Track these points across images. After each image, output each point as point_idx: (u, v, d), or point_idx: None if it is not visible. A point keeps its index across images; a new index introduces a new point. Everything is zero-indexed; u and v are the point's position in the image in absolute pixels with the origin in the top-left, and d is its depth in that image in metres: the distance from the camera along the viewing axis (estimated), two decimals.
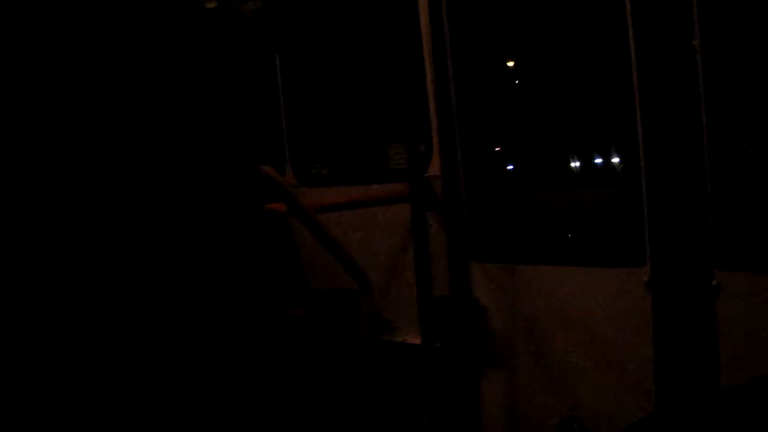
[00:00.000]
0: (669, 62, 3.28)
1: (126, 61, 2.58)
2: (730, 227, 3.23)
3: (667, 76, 3.30)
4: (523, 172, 4.27)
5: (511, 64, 4.09)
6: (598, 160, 3.99)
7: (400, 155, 4.46)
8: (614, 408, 3.60)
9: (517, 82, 4.08)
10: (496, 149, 4.23)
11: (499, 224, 4.07)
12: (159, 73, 2.51)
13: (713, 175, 3.22)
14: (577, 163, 4.06)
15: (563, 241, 3.88)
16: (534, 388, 3.90)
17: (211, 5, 4.98)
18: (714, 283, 3.23)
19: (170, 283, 2.75)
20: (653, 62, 3.33)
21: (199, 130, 2.66)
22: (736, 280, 3.20)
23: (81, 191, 2.46)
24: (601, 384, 3.64)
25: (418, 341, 4.21)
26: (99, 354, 2.54)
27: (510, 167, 4.32)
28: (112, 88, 2.50)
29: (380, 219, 4.48)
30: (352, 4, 4.70)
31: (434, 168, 4.14)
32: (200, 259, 2.82)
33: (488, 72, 4.16)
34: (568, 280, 3.74)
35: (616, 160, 3.87)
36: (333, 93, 5.04)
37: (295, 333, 4.33)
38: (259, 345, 4.12)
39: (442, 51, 4.06)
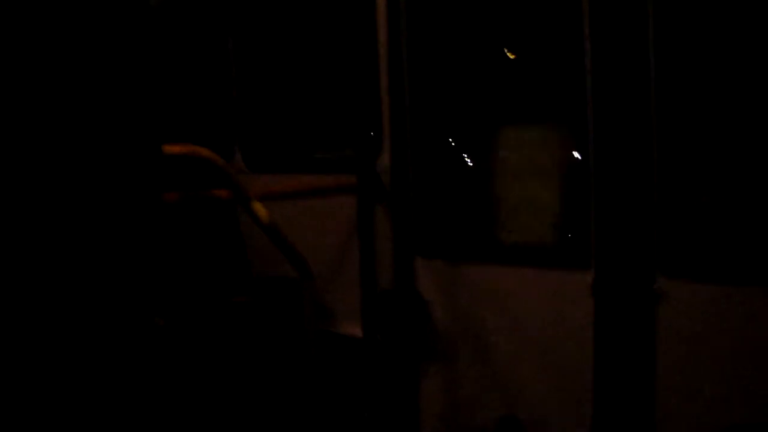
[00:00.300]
0: (621, 67, 3.28)
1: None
2: (675, 234, 3.25)
3: (618, 81, 3.29)
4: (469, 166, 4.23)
5: (465, 56, 4.04)
6: None
7: (352, 145, 4.41)
8: (553, 410, 3.59)
9: (469, 75, 4.04)
10: (448, 144, 4.18)
11: (445, 220, 4.04)
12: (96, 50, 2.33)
13: (660, 181, 3.23)
14: None
15: (508, 241, 3.86)
16: (474, 386, 3.88)
17: None
18: (656, 288, 3.24)
19: (106, 271, 2.59)
20: (606, 66, 3.32)
21: (142, 113, 2.47)
22: (679, 287, 3.22)
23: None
24: (540, 386, 3.63)
25: (360, 334, 4.18)
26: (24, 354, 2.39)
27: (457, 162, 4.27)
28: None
29: (328, 209, 4.42)
30: None
31: (384, 160, 4.09)
32: (137, 245, 2.67)
33: (443, 64, 4.12)
34: (511, 280, 3.72)
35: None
36: (287, 79, 4.95)
37: (236, 320, 4.26)
38: (200, 332, 4.03)
39: (396, 41, 4.01)
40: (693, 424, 3.20)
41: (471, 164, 4.11)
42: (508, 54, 3.88)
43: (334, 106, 4.70)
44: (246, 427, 4.13)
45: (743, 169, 3.18)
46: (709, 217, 3.28)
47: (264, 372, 4.32)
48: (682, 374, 3.22)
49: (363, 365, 4.18)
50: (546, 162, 3.83)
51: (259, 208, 3.53)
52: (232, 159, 4.87)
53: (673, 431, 3.25)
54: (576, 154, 3.58)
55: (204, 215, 4.22)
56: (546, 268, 3.62)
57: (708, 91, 3.23)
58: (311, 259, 4.03)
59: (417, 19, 3.99)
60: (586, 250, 3.43)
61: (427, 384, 4.07)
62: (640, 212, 3.26)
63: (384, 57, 4.05)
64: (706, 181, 3.33)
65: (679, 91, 3.22)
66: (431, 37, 4.01)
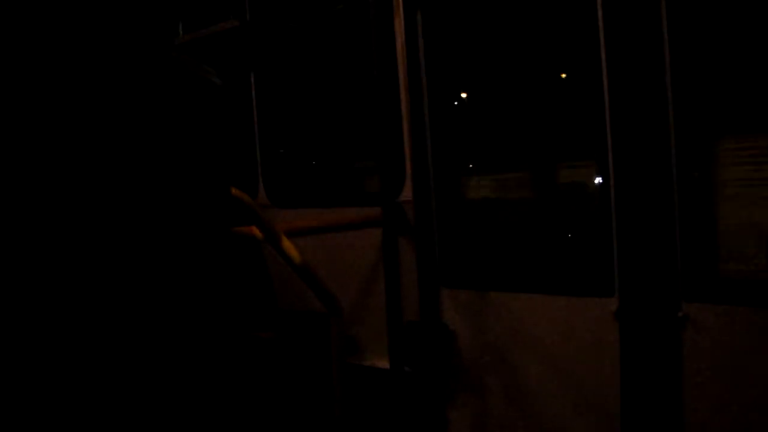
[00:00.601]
0: (639, 80, 3.33)
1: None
2: (697, 259, 3.28)
3: (637, 100, 3.34)
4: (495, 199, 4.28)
5: (486, 89, 4.11)
6: None
7: (375, 179, 4.47)
8: None
9: (491, 107, 4.10)
10: (471, 173, 4.23)
11: (470, 251, 4.08)
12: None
13: (682, 207, 3.27)
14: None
15: (533, 269, 3.90)
16: (502, 415, 3.90)
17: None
18: (681, 314, 3.27)
19: (137, 304, 2.71)
20: (622, 80, 3.38)
21: (168, 151, 2.66)
22: (703, 312, 3.24)
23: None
24: (568, 414, 3.66)
25: (387, 366, 4.21)
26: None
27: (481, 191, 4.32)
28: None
29: (352, 242, 4.48)
30: (327, 25, 4.72)
31: (407, 193, 4.15)
32: (167, 281, 2.78)
33: (463, 98, 4.19)
34: (537, 309, 3.75)
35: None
36: (307, 114, 5.04)
37: (262, 355, 4.31)
38: (226, 367, 4.07)
39: (416, 75, 4.08)
40: None
41: (494, 193, 4.15)
42: (529, 86, 3.93)
43: (355, 139, 4.77)
44: None
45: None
46: (731, 241, 3.31)
47: (291, 406, 4.35)
48: (709, 399, 3.24)
49: (391, 397, 4.20)
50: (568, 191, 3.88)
51: (289, 246, 3.59)
52: (257, 196, 4.95)
53: None
54: (599, 181, 3.62)
55: (230, 250, 4.28)
56: (571, 296, 3.66)
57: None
58: (336, 292, 4.08)
59: (436, 50, 4.06)
60: (610, 277, 3.47)
61: (455, 414, 4.10)
62: (662, 238, 3.30)
63: (404, 89, 4.11)
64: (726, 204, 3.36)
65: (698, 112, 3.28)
66: (449, 68, 4.08)
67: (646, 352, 3.40)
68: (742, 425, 3.17)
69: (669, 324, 3.30)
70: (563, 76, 3.81)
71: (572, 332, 3.63)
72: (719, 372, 3.22)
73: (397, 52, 4.11)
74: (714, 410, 3.23)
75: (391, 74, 4.13)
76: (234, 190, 3.35)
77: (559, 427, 3.69)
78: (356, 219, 4.30)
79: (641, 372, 3.41)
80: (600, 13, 3.42)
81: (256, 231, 3.53)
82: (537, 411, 3.76)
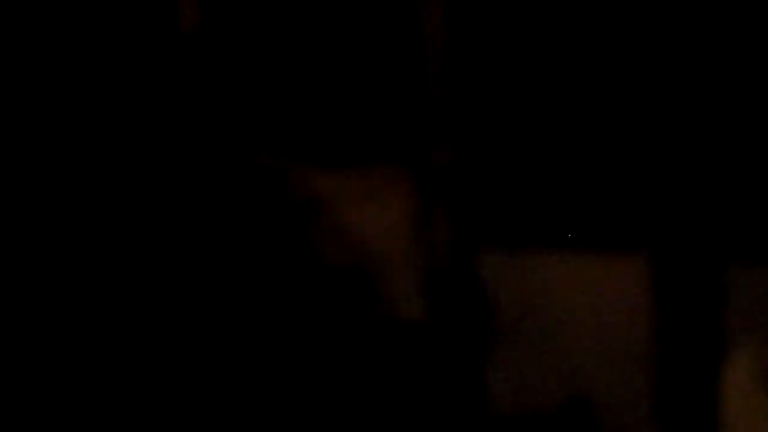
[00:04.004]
0: None
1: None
2: (741, 217, 3.24)
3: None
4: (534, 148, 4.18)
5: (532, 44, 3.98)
6: None
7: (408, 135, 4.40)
8: (618, 395, 3.64)
9: (533, 66, 3.99)
10: (508, 133, 4.16)
11: (508, 205, 4.04)
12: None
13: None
14: None
15: (571, 226, 3.86)
16: (539, 371, 3.91)
17: None
18: (725, 275, 3.25)
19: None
20: None
21: None
22: (747, 271, 3.22)
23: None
24: (606, 370, 3.67)
25: (422, 319, 4.21)
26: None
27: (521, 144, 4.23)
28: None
29: (384, 196, 4.43)
30: None
31: (443, 144, 4.08)
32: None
33: (506, 52, 4.07)
34: (575, 265, 3.74)
35: None
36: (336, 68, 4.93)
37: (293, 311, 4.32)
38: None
39: (452, 27, 3.98)
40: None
41: (536, 146, 4.07)
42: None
43: (388, 96, 4.67)
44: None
45: None
46: None
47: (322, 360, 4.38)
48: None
49: (426, 349, 4.22)
50: None
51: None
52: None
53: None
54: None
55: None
56: (608, 252, 3.64)
57: None
58: (365, 247, 4.06)
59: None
60: (649, 233, 3.45)
61: (492, 369, 4.11)
62: (704, 193, 3.27)
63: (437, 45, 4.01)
64: None
65: None
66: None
67: (685, 309, 3.39)
68: None
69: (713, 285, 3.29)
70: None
71: (609, 289, 3.62)
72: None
73: None
74: None
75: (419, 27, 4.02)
76: None
77: (596, 384, 3.71)
78: (391, 176, 4.25)
79: (679, 330, 3.42)
80: None
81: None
82: (575, 368, 3.77)
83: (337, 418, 4.02)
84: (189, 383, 3.01)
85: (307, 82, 4.19)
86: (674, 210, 3.37)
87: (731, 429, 3.26)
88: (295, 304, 4.13)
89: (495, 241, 3.97)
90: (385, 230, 4.34)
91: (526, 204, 3.99)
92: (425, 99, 4.00)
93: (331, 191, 4.16)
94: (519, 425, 3.99)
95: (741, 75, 3.24)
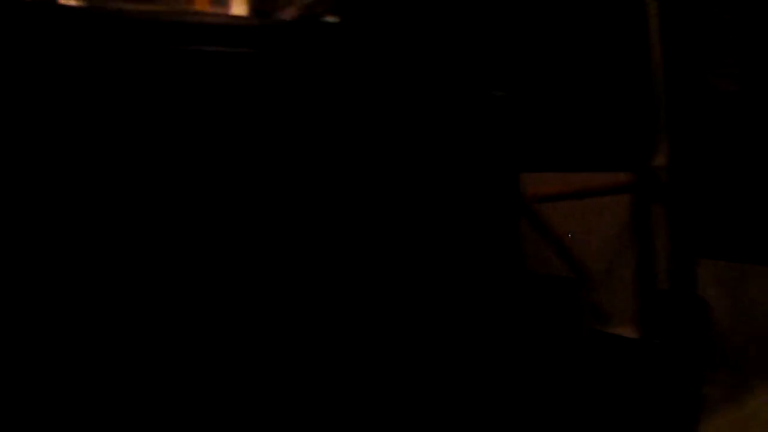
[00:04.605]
0: None
1: None
2: None
3: None
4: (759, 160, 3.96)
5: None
6: None
7: (625, 143, 4.30)
8: None
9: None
10: (732, 137, 3.96)
11: (729, 219, 3.84)
12: None
13: None
14: None
15: None
16: (763, 396, 3.68)
17: None
18: None
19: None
20: None
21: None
22: None
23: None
24: None
25: (634, 335, 4.08)
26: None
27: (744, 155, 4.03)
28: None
29: (600, 207, 4.37)
30: None
31: (660, 158, 3.96)
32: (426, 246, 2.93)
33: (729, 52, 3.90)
34: None
35: None
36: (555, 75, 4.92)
37: (509, 316, 4.33)
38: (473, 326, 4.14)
39: (671, 32, 3.86)
40: None
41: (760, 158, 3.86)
42: None
43: (606, 101, 4.60)
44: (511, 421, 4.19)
45: None
46: None
47: (537, 370, 4.35)
48: None
49: (638, 367, 4.08)
50: None
51: (537, 213, 3.58)
52: None
53: None
54: None
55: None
56: None
57: None
58: (582, 258, 4.02)
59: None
60: None
61: (709, 391, 3.91)
62: None
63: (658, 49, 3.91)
64: None
65: None
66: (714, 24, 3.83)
67: None
68: None
69: None
70: None
71: None
72: None
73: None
74: None
75: (643, 31, 3.93)
76: None
77: None
78: (606, 184, 4.18)
79: None
80: None
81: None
82: None
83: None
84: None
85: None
86: None
87: None
88: (502, 306, 4.16)
89: (716, 253, 3.78)
90: (603, 240, 4.29)
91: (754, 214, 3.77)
92: (648, 105, 3.93)
93: (551, 197, 4.17)
94: None
95: None
